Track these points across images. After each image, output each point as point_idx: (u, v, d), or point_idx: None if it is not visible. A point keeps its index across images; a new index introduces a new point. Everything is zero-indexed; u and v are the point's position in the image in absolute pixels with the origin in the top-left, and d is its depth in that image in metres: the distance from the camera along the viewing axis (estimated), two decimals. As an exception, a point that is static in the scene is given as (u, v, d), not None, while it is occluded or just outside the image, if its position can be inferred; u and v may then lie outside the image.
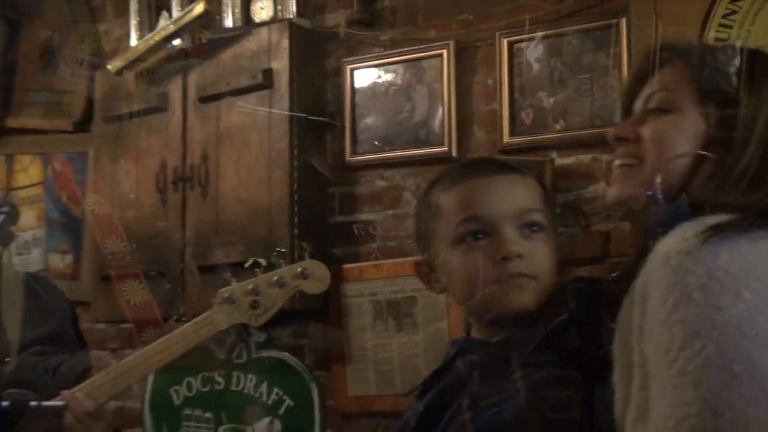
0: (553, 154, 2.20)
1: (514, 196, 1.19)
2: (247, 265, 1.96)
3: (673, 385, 0.73)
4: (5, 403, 1.57)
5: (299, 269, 1.89)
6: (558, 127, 2.22)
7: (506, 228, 1.17)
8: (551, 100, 2.23)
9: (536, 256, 1.16)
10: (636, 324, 0.82)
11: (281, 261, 1.91)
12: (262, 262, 1.95)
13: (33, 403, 1.59)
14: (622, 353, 0.88)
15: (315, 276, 1.91)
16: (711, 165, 0.93)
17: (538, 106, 2.26)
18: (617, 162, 1.04)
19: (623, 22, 2.10)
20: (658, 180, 0.95)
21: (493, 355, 1.16)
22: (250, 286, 1.88)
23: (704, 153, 0.94)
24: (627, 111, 1.09)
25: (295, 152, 2.41)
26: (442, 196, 1.22)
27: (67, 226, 3.01)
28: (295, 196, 2.41)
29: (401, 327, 2.38)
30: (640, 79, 1.07)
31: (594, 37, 2.18)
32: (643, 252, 0.88)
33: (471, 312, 1.25)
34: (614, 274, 1.16)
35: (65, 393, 1.82)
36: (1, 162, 3.03)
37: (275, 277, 1.88)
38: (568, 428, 1.03)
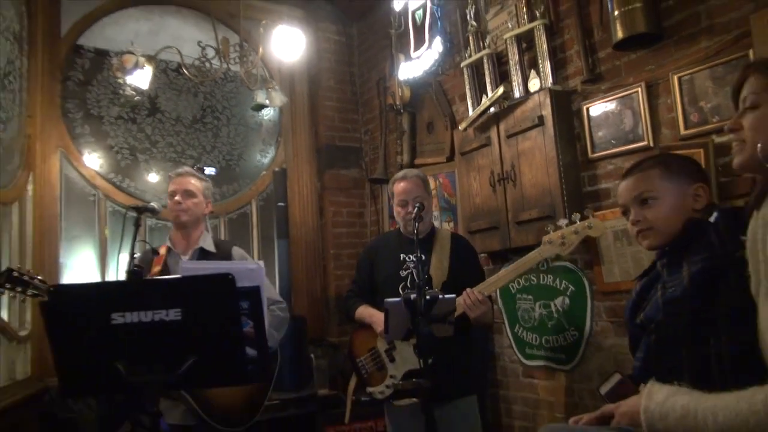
0: (713, 136, 2.49)
1: (633, 187, 1.44)
2: (562, 222, 2.23)
3: None
4: (429, 297, 1.79)
5: (587, 224, 2.24)
6: (714, 120, 2.50)
7: (631, 207, 1.45)
8: (708, 105, 2.51)
9: (650, 217, 1.41)
10: (760, 238, 0.99)
11: (577, 220, 2.23)
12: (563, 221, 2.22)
13: (440, 296, 1.89)
14: (752, 255, 1.03)
15: (596, 227, 2.25)
16: None
17: (700, 110, 2.53)
18: (734, 143, 1.17)
19: (751, 52, 2.38)
20: (758, 152, 1.09)
21: (672, 259, 1.39)
22: (559, 233, 2.26)
23: None
24: (736, 106, 1.21)
25: (560, 157, 2.99)
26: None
27: (449, 209, 3.86)
28: (563, 180, 2.95)
29: (631, 243, 2.77)
30: (738, 87, 1.22)
31: (732, 65, 2.43)
32: (764, 190, 1.04)
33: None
34: (746, 203, 1.22)
35: (467, 290, 2.34)
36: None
37: (573, 228, 2.24)
38: (712, 297, 1.21)
